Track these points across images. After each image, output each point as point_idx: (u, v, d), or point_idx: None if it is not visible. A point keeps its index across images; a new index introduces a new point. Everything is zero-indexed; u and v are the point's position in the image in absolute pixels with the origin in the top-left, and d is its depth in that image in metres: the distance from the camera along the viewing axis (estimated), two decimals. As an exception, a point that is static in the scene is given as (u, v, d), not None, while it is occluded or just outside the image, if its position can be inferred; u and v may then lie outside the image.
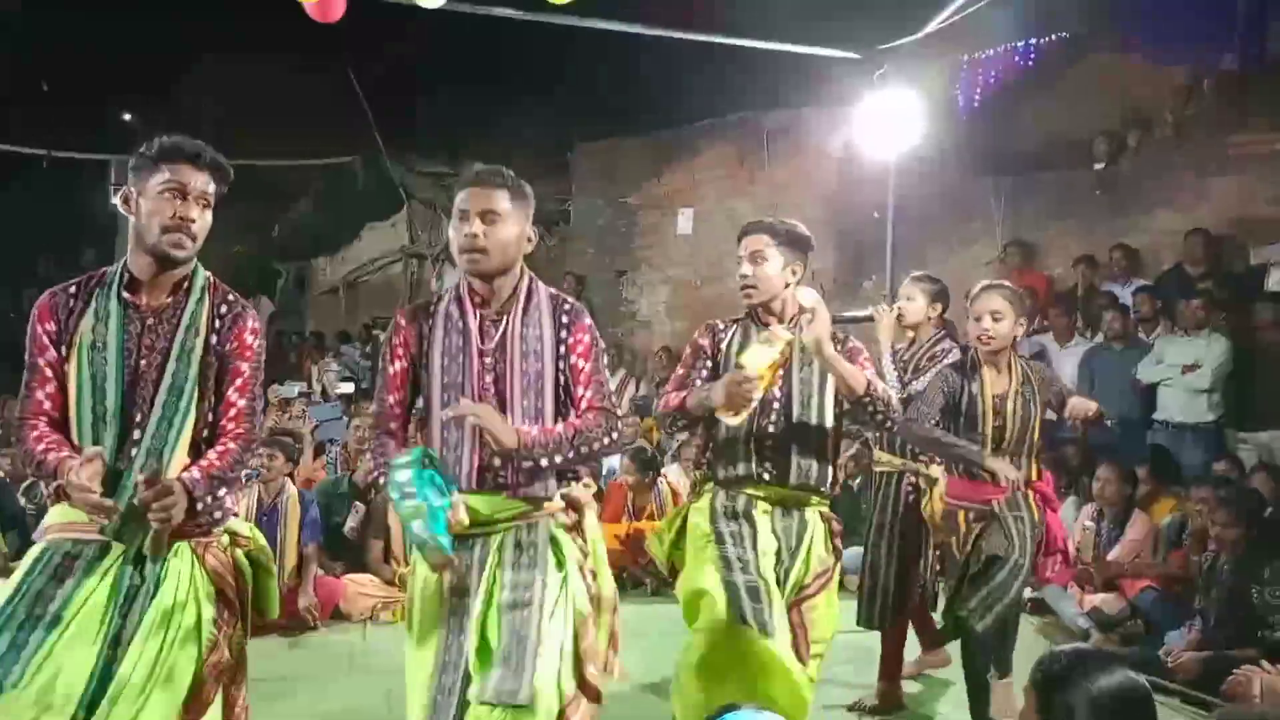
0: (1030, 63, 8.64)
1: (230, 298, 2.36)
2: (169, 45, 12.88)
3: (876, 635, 3.89)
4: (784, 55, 7.55)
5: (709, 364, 2.88)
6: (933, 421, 3.33)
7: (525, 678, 2.14)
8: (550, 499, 2.40)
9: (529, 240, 2.46)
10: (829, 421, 2.84)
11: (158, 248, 2.23)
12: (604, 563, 2.49)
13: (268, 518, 5.00)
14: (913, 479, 3.80)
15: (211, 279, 2.35)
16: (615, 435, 2.41)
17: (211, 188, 2.27)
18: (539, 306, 2.43)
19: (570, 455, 2.35)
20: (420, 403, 2.48)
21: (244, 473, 2.39)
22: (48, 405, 2.24)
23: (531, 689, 2.14)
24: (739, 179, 9.77)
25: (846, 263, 9.03)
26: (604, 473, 6.79)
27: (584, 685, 2.28)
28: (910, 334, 3.93)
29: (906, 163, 7.26)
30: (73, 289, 2.29)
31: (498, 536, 2.34)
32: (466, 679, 2.22)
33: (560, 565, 2.34)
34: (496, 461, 2.34)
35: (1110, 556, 5.03)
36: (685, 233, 9.99)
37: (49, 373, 2.24)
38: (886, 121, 6.96)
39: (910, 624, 4.00)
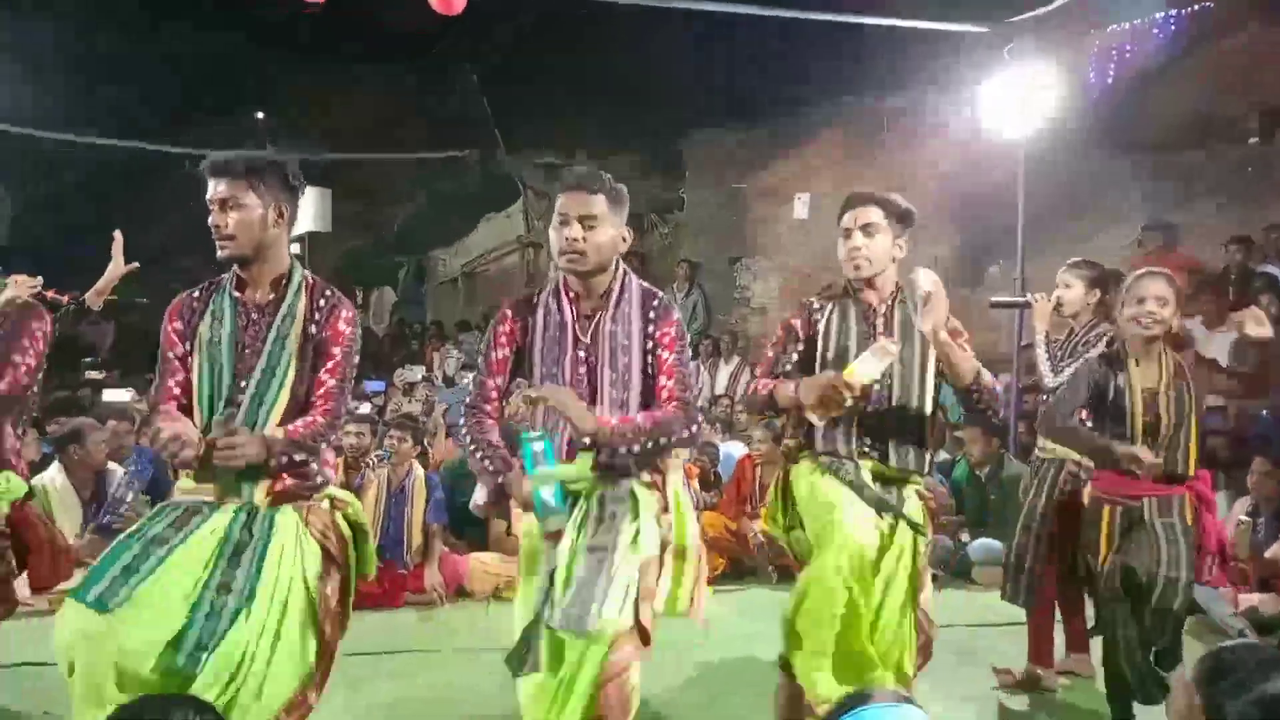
0: (1171, 35, 8.14)
1: (328, 291, 2.57)
2: (298, 47, 13.47)
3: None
4: (905, 33, 7.34)
5: (800, 346, 2.84)
6: (1073, 412, 3.19)
7: (592, 609, 2.26)
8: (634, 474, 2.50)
9: (624, 240, 2.59)
10: (929, 405, 2.81)
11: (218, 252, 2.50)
12: (688, 513, 2.58)
13: (396, 498, 5.16)
14: (1074, 467, 3.66)
15: (308, 276, 2.58)
16: (695, 428, 2.51)
17: (234, 186, 2.45)
18: (630, 301, 2.56)
19: (649, 445, 2.46)
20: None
21: (323, 449, 2.57)
22: (177, 392, 2.50)
23: (598, 620, 2.25)
24: (856, 163, 9.55)
25: (971, 248, 8.72)
26: (720, 457, 6.75)
27: (637, 624, 2.38)
28: (1069, 322, 3.79)
29: (1037, 142, 6.95)
30: (197, 293, 2.58)
31: (588, 493, 2.47)
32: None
33: (635, 516, 2.43)
34: (586, 441, 2.45)
35: (1268, 554, 4.70)
36: (801, 218, 9.84)
37: (177, 365, 2.52)
38: (1017, 99, 6.67)
39: (1061, 615, 3.88)
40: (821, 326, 2.82)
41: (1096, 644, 3.83)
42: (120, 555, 2.30)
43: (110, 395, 7.84)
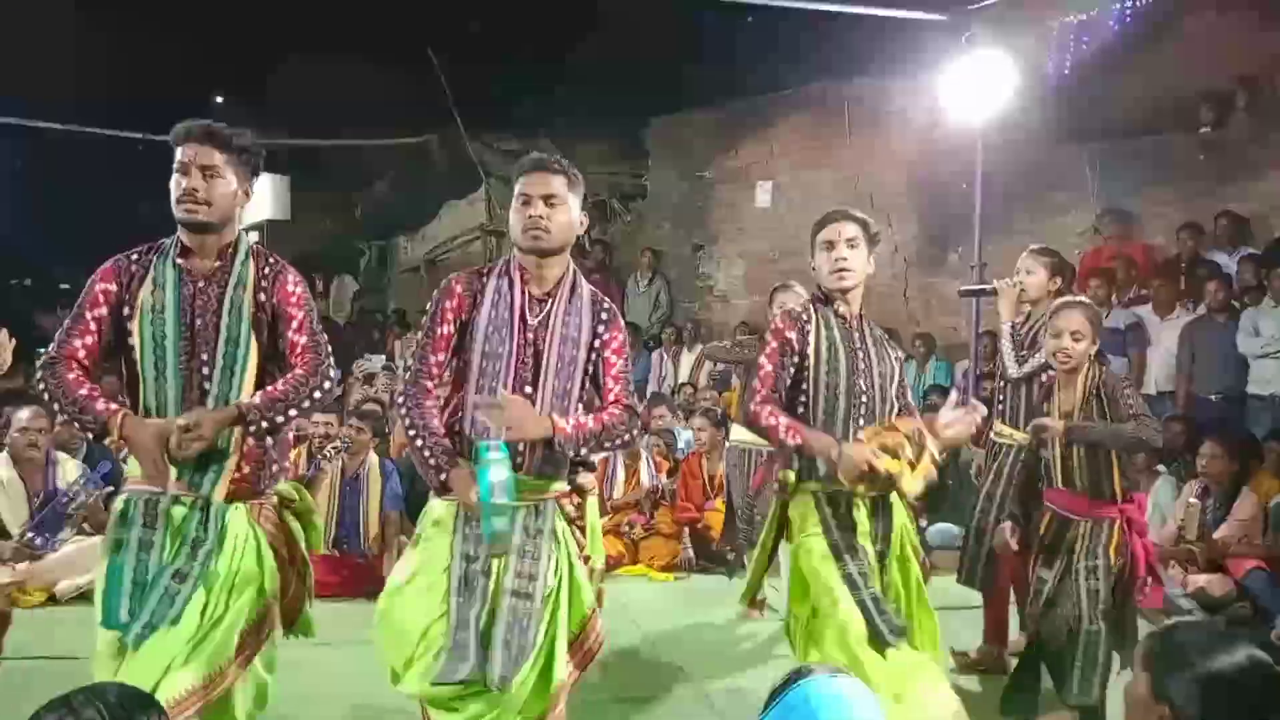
0: (1128, 23, 8.22)
1: (271, 259, 2.57)
2: (257, 31, 13.22)
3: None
4: (865, 19, 7.34)
5: (796, 358, 2.84)
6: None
7: (523, 666, 2.36)
8: (560, 481, 2.56)
9: (581, 224, 2.62)
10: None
11: (178, 217, 2.47)
12: (598, 537, 2.79)
13: (350, 487, 5.12)
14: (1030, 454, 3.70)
15: (255, 246, 2.57)
16: (636, 432, 2.61)
17: (215, 158, 2.45)
18: (581, 298, 2.59)
19: (595, 447, 2.52)
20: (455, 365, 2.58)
21: (320, 402, 2.56)
22: (82, 354, 2.43)
23: (523, 677, 2.36)
24: (818, 150, 9.57)
25: (932, 234, 8.79)
26: (680, 446, 6.76)
27: (583, 659, 2.54)
28: (1027, 308, 3.83)
29: (995, 130, 6.99)
30: (134, 256, 2.51)
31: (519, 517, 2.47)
32: (478, 640, 2.37)
33: (559, 565, 2.49)
34: (520, 447, 2.45)
35: (1216, 535, 4.80)
36: (764, 206, 9.84)
37: (93, 326, 2.44)
38: (975, 86, 6.70)
39: (1016, 597, 3.94)
40: (812, 339, 2.84)
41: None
42: (122, 571, 2.37)
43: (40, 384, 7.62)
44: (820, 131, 9.59)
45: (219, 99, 14.52)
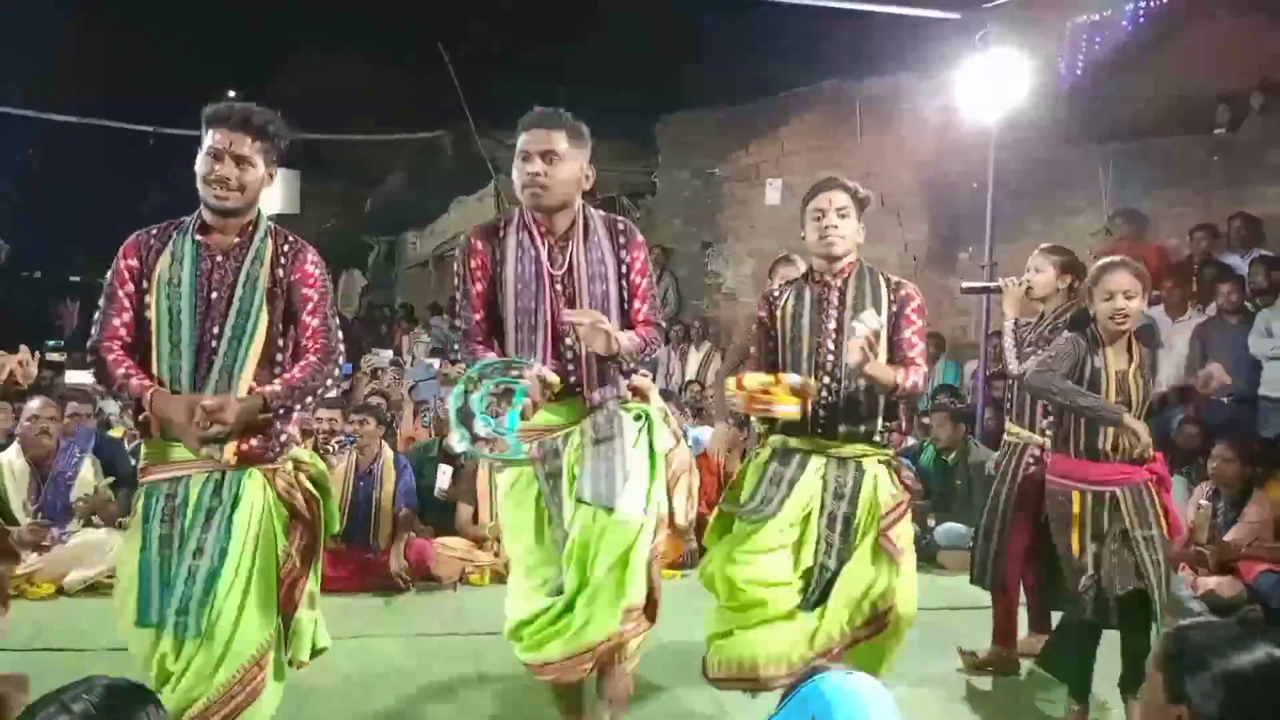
0: (1141, 23, 8.18)
1: (291, 238, 2.60)
2: (271, 26, 13.26)
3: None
4: (878, 18, 7.32)
5: (770, 335, 3.00)
6: (1063, 375, 3.20)
7: (616, 489, 2.53)
8: (621, 398, 2.68)
9: (586, 178, 2.65)
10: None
11: (205, 199, 2.50)
12: (659, 422, 2.74)
13: (364, 481, 5.10)
14: (1036, 451, 3.68)
15: (274, 225, 2.60)
16: (661, 348, 2.78)
17: (251, 146, 2.49)
18: (596, 231, 2.65)
19: (638, 362, 2.69)
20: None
21: (332, 389, 2.72)
22: (123, 332, 2.50)
23: (620, 500, 2.51)
24: (829, 149, 9.54)
25: (942, 234, 8.76)
26: (689, 444, 6.73)
27: (648, 601, 2.61)
28: (1039, 307, 3.80)
29: (1008, 129, 6.96)
30: (155, 231, 2.56)
31: (575, 436, 2.62)
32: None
33: (639, 417, 2.67)
34: (572, 379, 2.59)
35: (1227, 538, 4.76)
36: (774, 204, 9.82)
37: (126, 303, 2.50)
38: (988, 86, 6.68)
39: (1025, 596, 3.94)
40: (779, 313, 2.96)
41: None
42: (150, 573, 2.44)
43: (72, 376, 7.69)
44: (831, 130, 9.56)
45: (229, 93, 14.56)
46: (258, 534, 2.49)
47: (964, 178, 7.78)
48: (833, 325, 2.90)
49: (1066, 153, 8.18)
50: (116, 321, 2.49)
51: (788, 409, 2.75)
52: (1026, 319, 3.86)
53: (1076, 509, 3.19)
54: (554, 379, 2.45)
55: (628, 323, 2.67)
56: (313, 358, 2.52)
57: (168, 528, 2.45)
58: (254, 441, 2.50)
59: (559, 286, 2.59)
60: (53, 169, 13.62)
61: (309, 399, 2.53)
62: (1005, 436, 3.91)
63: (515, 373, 2.40)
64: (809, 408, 2.83)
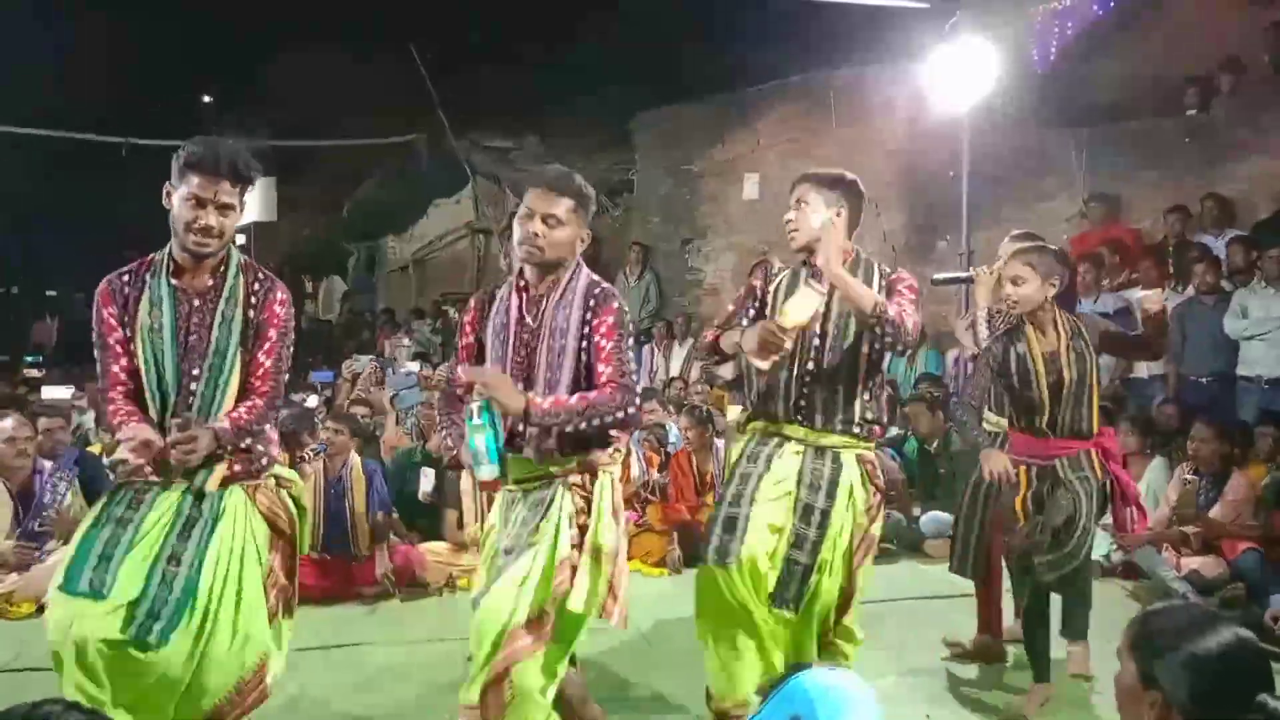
0: (1110, 7, 8.22)
1: (261, 275, 2.67)
2: (242, 34, 13.15)
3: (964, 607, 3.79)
4: (849, 8, 7.33)
5: (757, 304, 3.02)
6: (978, 394, 3.50)
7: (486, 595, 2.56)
8: (566, 465, 2.63)
9: (582, 241, 2.72)
10: (861, 367, 2.95)
11: (186, 246, 2.54)
12: (607, 515, 2.65)
13: (334, 489, 5.07)
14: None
15: (244, 260, 2.67)
16: (630, 410, 2.60)
17: (233, 193, 2.52)
18: (574, 291, 2.67)
19: (581, 425, 2.55)
20: None
21: (269, 428, 2.73)
22: (124, 376, 2.56)
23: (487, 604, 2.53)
24: (805, 141, 9.55)
25: (920, 222, 8.78)
26: (671, 441, 6.74)
27: (537, 620, 2.51)
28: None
29: (980, 117, 6.99)
30: (126, 276, 2.59)
31: (529, 494, 2.67)
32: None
33: (548, 517, 2.60)
34: (520, 427, 2.61)
35: (1209, 516, 4.80)
36: (751, 198, 9.82)
37: (119, 349, 2.57)
38: (958, 74, 6.70)
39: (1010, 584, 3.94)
40: (773, 288, 3.02)
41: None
42: (94, 542, 2.46)
43: (49, 392, 7.62)
44: (806, 122, 9.57)
45: (205, 100, 14.46)
46: (243, 548, 2.55)
47: (939, 166, 7.81)
48: (822, 310, 2.90)
49: (1040, 138, 8.22)
50: (115, 367, 2.57)
51: (788, 321, 2.72)
52: (998, 306, 3.87)
53: (1023, 479, 3.38)
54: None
55: (584, 383, 2.64)
56: (259, 401, 2.60)
57: (130, 512, 2.51)
58: (237, 466, 2.60)
59: (525, 337, 2.66)
60: (24, 183, 13.47)
61: (248, 439, 2.60)
62: (985, 425, 3.92)
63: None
64: (782, 382, 2.92)
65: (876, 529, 2.99)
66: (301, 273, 13.66)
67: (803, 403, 2.94)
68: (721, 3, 7.67)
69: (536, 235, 2.60)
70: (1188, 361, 6.30)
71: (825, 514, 2.88)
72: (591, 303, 2.65)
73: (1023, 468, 3.38)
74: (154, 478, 2.53)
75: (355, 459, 5.19)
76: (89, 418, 7.25)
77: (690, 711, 3.39)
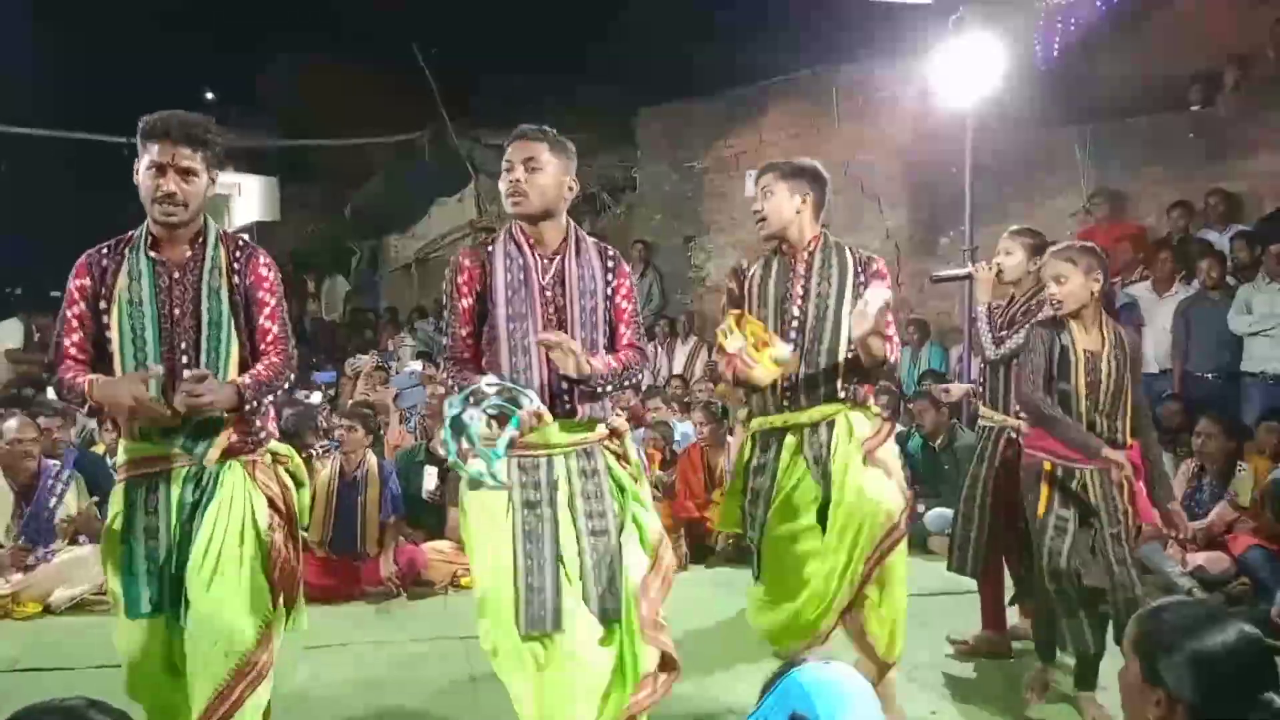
0: (1114, 2, 8.19)
1: (240, 242, 2.64)
2: (244, 34, 13.16)
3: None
4: (852, 5, 7.32)
5: (738, 303, 3.08)
6: (1042, 386, 3.30)
7: (619, 598, 2.54)
8: (604, 421, 2.69)
9: (569, 189, 2.69)
10: (842, 343, 2.99)
11: (155, 217, 2.51)
12: (646, 482, 2.79)
13: (348, 489, 5.06)
14: (1013, 434, 3.69)
15: (221, 230, 2.63)
16: (645, 374, 2.79)
17: (192, 157, 2.47)
18: (588, 251, 2.71)
19: (617, 385, 2.65)
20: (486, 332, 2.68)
21: (288, 386, 2.71)
22: (74, 351, 2.52)
23: (620, 607, 2.54)
24: (808, 138, 9.52)
25: (923, 219, 8.76)
26: (676, 439, 6.74)
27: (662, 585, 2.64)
28: (1011, 290, 3.81)
29: (984, 113, 6.96)
30: (105, 250, 2.56)
31: (560, 460, 2.62)
32: (556, 583, 2.52)
33: (622, 493, 2.67)
34: (563, 385, 2.60)
35: (1213, 513, 4.79)
36: (753, 195, 9.80)
37: (75, 324, 2.52)
38: (963, 70, 6.67)
39: (1012, 580, 3.95)
40: (747, 283, 3.09)
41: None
42: (138, 561, 2.49)
43: (53, 393, 7.63)
44: (809, 119, 9.55)
45: (209, 99, 14.48)
46: (240, 522, 2.52)
47: (943, 163, 7.78)
48: (799, 291, 3.01)
49: (1044, 134, 8.19)
50: (67, 342, 2.52)
51: (762, 375, 2.84)
52: (999, 302, 3.86)
53: (1048, 468, 3.29)
54: (548, 418, 2.49)
55: (612, 344, 2.70)
56: (276, 359, 2.58)
57: (154, 519, 2.50)
58: (234, 438, 2.55)
59: (549, 294, 2.63)
60: (29, 184, 13.51)
61: (269, 397, 2.57)
62: (979, 420, 3.91)
63: (515, 402, 2.42)
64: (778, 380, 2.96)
65: (887, 448, 3.03)
66: (304, 272, 13.66)
67: (788, 389, 3.00)
68: (725, 1, 7.65)
69: (519, 181, 2.61)
70: (1193, 358, 6.28)
71: (827, 470, 2.96)
72: (610, 263, 2.72)
73: (1048, 463, 3.31)
74: (164, 465, 2.50)
75: (372, 459, 5.18)
76: (93, 419, 7.25)
77: (700, 709, 3.39)
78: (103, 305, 2.51)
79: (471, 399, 2.39)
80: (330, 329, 12.70)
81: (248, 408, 2.50)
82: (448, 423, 2.40)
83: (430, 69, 11.75)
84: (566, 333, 2.57)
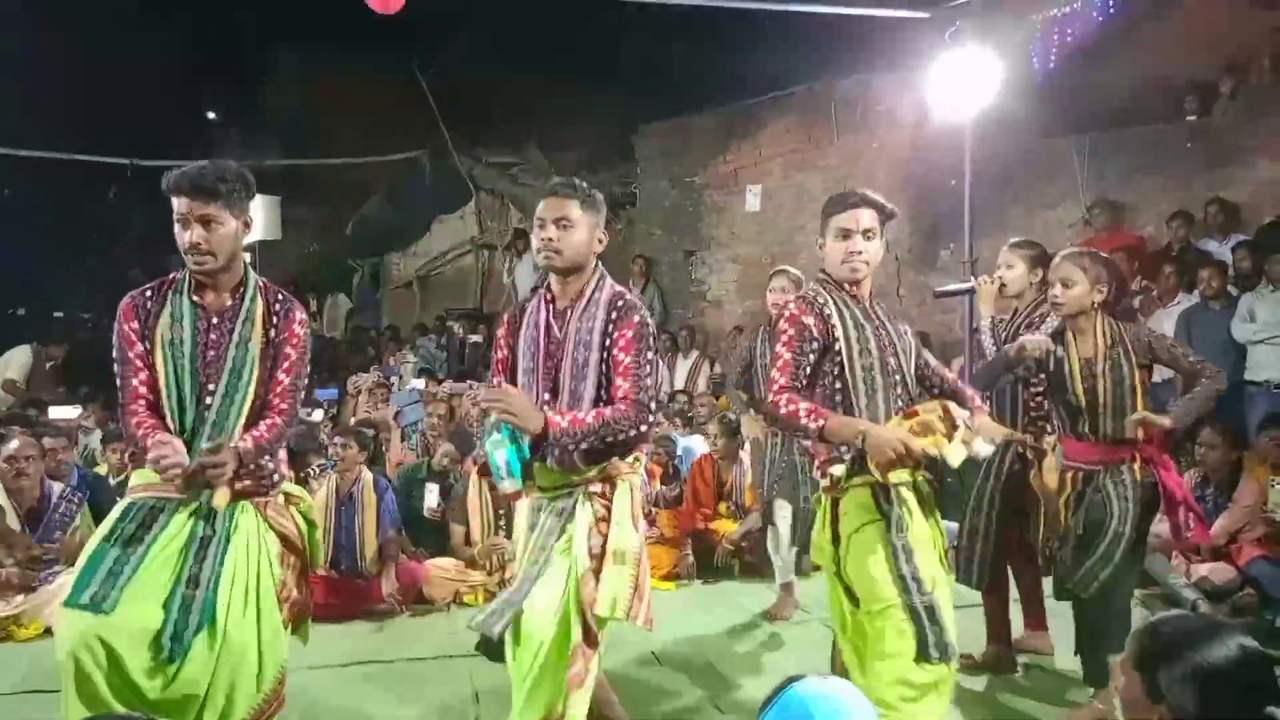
0: (1111, 13, 8.23)
1: (280, 295, 2.75)
2: (245, 51, 13.23)
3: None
4: (849, 19, 7.33)
5: (816, 346, 2.67)
6: (999, 367, 3.48)
7: (506, 617, 2.60)
8: (587, 474, 2.71)
9: (600, 241, 2.79)
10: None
11: (190, 267, 2.64)
12: (626, 520, 2.72)
13: (346, 506, 5.06)
14: (1020, 449, 3.69)
15: (262, 281, 2.75)
16: (645, 426, 2.66)
17: (213, 206, 2.57)
18: (597, 302, 2.74)
19: (597, 442, 2.64)
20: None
21: (282, 446, 2.79)
22: (144, 390, 2.61)
23: (507, 626, 2.60)
24: (807, 152, 9.56)
25: (923, 232, 8.77)
26: (678, 454, 6.72)
27: (586, 632, 2.60)
28: (1014, 303, 3.82)
29: (983, 125, 6.97)
30: (149, 292, 2.67)
31: (554, 502, 2.75)
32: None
33: (568, 527, 2.69)
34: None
35: (1218, 523, 4.76)
36: (754, 210, 9.83)
37: (139, 363, 2.62)
38: (960, 83, 6.69)
39: (1018, 593, 3.94)
40: (837, 323, 2.68)
41: (1054, 621, 3.88)
42: (103, 559, 2.49)
43: (56, 413, 7.65)
44: (808, 133, 9.58)
45: (210, 117, 14.55)
46: (258, 563, 2.61)
47: (942, 175, 7.80)
48: (887, 341, 2.73)
49: (1042, 145, 8.22)
50: (135, 382, 2.61)
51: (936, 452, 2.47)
52: (1001, 315, 3.87)
53: (1068, 488, 3.37)
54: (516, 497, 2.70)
55: (608, 394, 2.69)
56: (278, 419, 2.67)
57: (142, 531, 2.54)
58: (247, 482, 2.63)
59: (552, 346, 2.74)
60: (32, 205, 13.56)
61: (267, 457, 2.66)
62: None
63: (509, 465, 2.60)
64: None
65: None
66: (306, 290, 13.69)
67: None
68: (722, 14, 7.67)
69: (551, 240, 2.70)
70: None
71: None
72: (614, 315, 2.72)
73: (1070, 474, 3.38)
74: (176, 495, 2.56)
75: (368, 476, 5.18)
76: (95, 438, 7.26)
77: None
78: (146, 346, 2.62)
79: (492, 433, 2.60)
80: (332, 347, 12.72)
81: (249, 468, 2.61)
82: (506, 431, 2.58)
83: (430, 87, 11.81)
84: (559, 386, 2.70)
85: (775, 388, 2.64)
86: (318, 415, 7.32)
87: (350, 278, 14.85)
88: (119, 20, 12.11)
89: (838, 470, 2.67)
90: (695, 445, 6.68)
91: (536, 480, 2.76)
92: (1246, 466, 4.95)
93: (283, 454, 2.80)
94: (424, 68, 11.86)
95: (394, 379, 9.20)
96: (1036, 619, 3.99)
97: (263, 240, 13.67)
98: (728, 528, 5.63)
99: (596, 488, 2.72)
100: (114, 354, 2.64)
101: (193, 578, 2.51)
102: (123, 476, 5.33)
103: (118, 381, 2.65)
